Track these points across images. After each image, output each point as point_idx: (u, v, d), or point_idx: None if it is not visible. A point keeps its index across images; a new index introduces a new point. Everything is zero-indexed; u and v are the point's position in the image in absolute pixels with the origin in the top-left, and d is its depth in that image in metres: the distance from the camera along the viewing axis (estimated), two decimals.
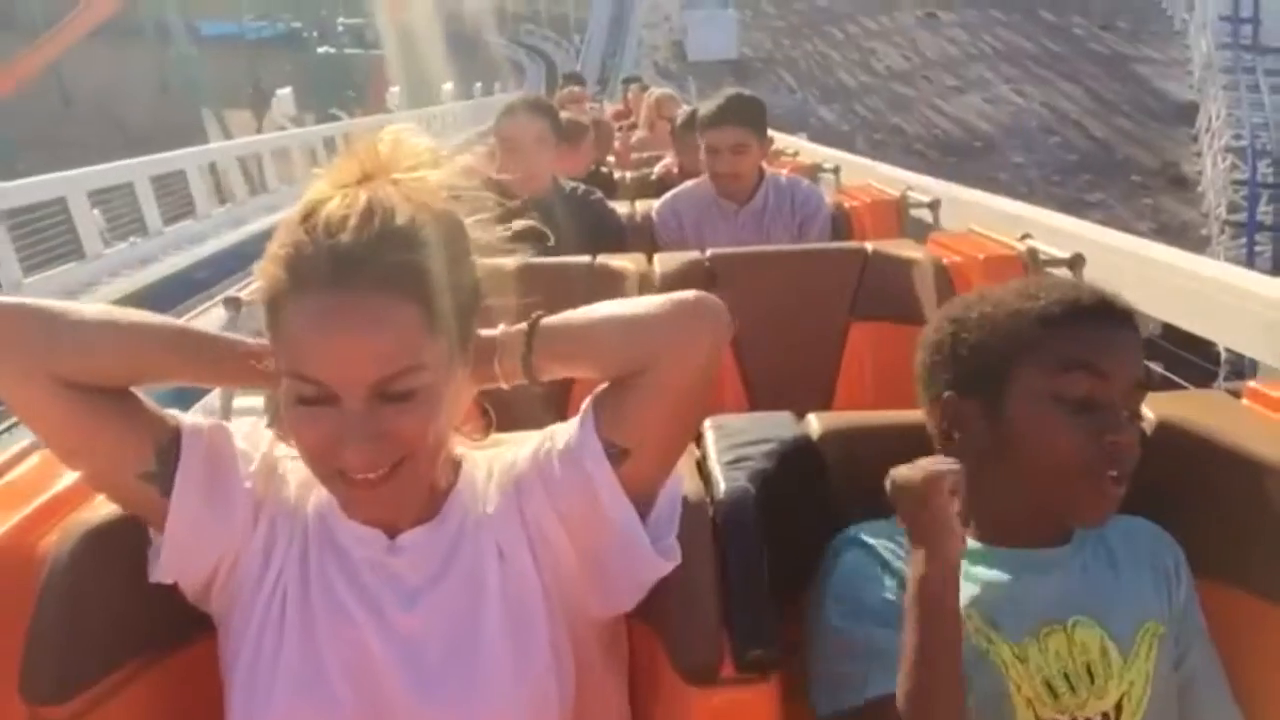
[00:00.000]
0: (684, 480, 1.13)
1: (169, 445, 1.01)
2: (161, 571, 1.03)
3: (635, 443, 1.01)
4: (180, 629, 1.10)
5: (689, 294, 1.02)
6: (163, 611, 1.07)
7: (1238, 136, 20.66)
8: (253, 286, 2.52)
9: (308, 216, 0.95)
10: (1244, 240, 18.74)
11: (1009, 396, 1.14)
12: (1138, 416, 1.15)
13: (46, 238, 7.69)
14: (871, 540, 1.17)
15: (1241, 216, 19.13)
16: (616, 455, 1.01)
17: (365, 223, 0.92)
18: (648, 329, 1.01)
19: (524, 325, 1.05)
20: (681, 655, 1.06)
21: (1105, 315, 1.14)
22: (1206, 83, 23.50)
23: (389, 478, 0.97)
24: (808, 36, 34.71)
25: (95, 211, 8.44)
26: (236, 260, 8.39)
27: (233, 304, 2.36)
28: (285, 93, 16.49)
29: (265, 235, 0.99)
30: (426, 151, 1.02)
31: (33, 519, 1.11)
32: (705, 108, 3.09)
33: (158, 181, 9.99)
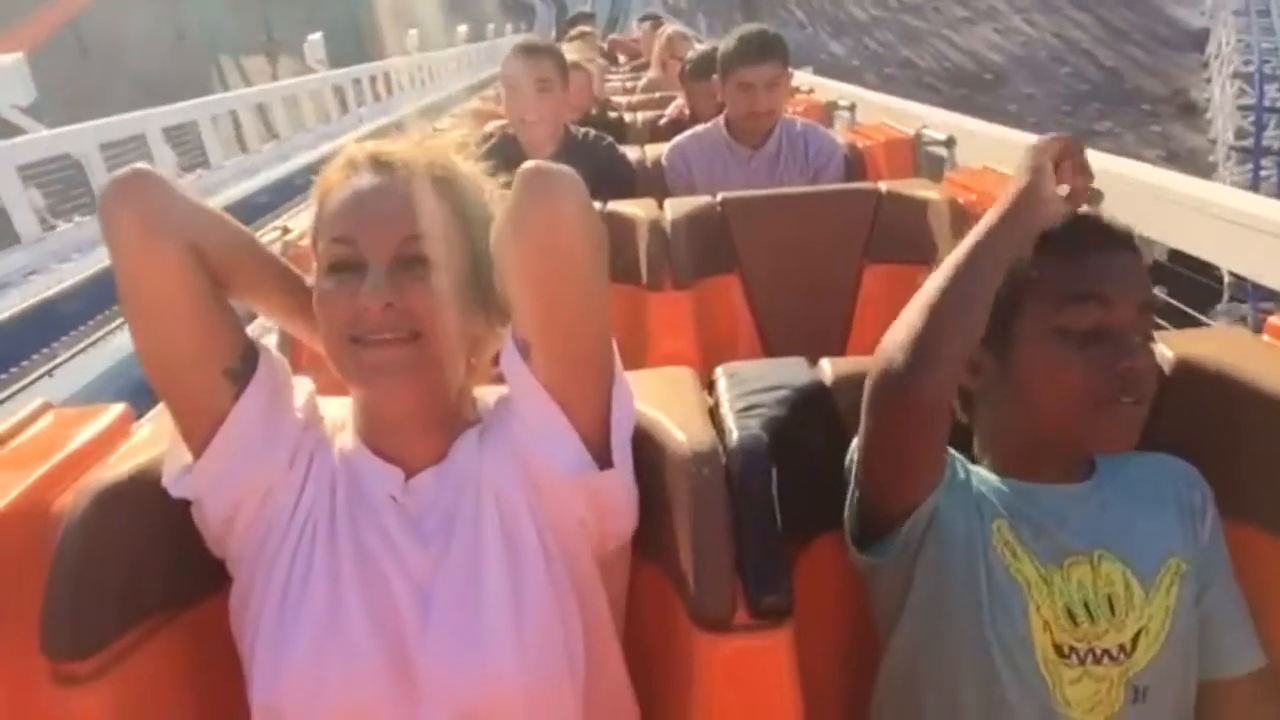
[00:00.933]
0: (688, 423, 1.13)
1: (250, 352, 1.06)
2: (194, 481, 1.04)
3: (527, 333, 1.01)
4: (198, 583, 1.12)
5: (527, 165, 0.98)
6: (180, 567, 1.08)
7: (1247, 62, 20.61)
8: (270, 236, 2.52)
9: (358, 141, 1.11)
10: (1250, 166, 18.76)
11: (1017, 339, 1.12)
12: (1149, 338, 1.13)
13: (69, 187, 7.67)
14: None
15: (1248, 142, 19.18)
16: (521, 347, 1.02)
17: (406, 143, 1.10)
18: (503, 216, 1.00)
19: None
20: (695, 603, 1.06)
21: (1104, 241, 1.12)
22: (1218, 8, 23.44)
23: (402, 344, 1.02)
24: None
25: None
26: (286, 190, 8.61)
27: (283, 230, 2.37)
28: (316, 38, 16.46)
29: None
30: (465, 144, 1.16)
31: (47, 479, 1.12)
32: (736, 45, 2.97)
33: (218, 119, 10.06)
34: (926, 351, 1.03)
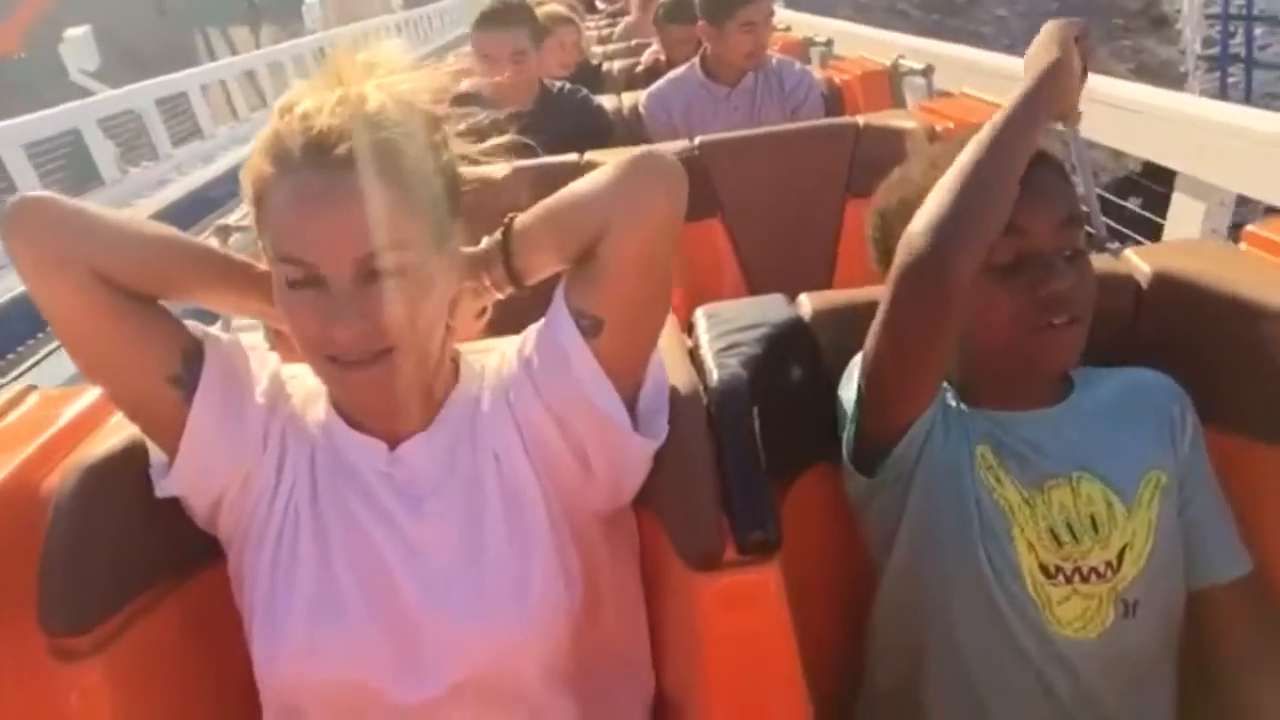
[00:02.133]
0: (668, 365, 1.12)
1: (194, 351, 1.03)
2: (172, 484, 1.04)
3: (605, 313, 1.01)
4: (192, 556, 1.12)
5: (632, 154, 1.00)
6: (172, 540, 1.09)
7: None
8: (242, 210, 2.51)
9: (285, 111, 0.98)
10: (1218, 74, 18.76)
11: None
12: (1078, 253, 1.12)
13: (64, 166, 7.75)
14: None
15: (1216, 50, 19.02)
16: (588, 326, 1.01)
17: (339, 108, 0.96)
18: (599, 198, 0.99)
19: (498, 232, 1.05)
20: (684, 542, 1.07)
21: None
22: None
23: (379, 361, 0.98)
24: None
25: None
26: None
27: (223, 231, 2.34)
28: (313, 1, 16.22)
29: None
30: (405, 59, 1.05)
31: (34, 459, 1.12)
32: None
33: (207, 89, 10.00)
34: (956, 229, 1.03)
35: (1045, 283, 1.09)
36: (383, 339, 0.97)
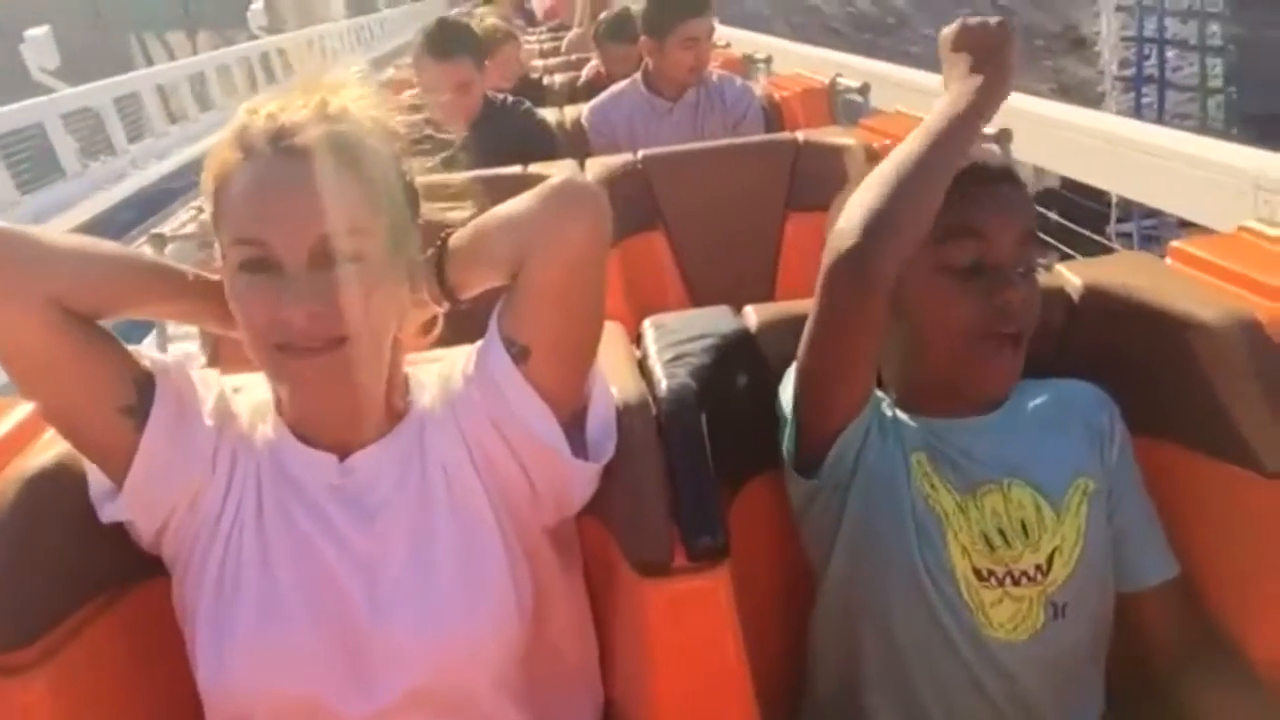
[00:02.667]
0: (617, 375, 1.14)
1: (145, 381, 1.01)
2: (119, 510, 1.03)
3: (530, 340, 1.01)
4: (134, 568, 1.10)
5: (557, 180, 1.01)
6: (115, 552, 1.07)
7: None
8: (184, 215, 2.47)
9: (251, 110, 1.01)
10: (1133, 94, 20.11)
11: (904, 277, 1.12)
12: (1031, 269, 1.17)
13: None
14: None
15: (1131, 71, 20.44)
16: (517, 353, 1.02)
17: (304, 106, 1.00)
18: (521, 223, 1.00)
19: (434, 249, 1.06)
20: (634, 549, 1.08)
21: (980, 176, 1.14)
22: None
23: (331, 350, 0.98)
24: None
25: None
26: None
27: (158, 240, 2.31)
28: (258, 7, 16.07)
29: None
30: (369, 85, 1.09)
31: None
32: (663, 4, 2.99)
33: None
34: (882, 229, 1.06)
35: (1001, 291, 1.13)
36: (336, 325, 0.97)
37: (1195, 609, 1.19)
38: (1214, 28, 20.00)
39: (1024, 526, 1.15)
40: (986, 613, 1.14)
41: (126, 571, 1.11)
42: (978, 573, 1.14)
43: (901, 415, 1.21)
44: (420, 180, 1.11)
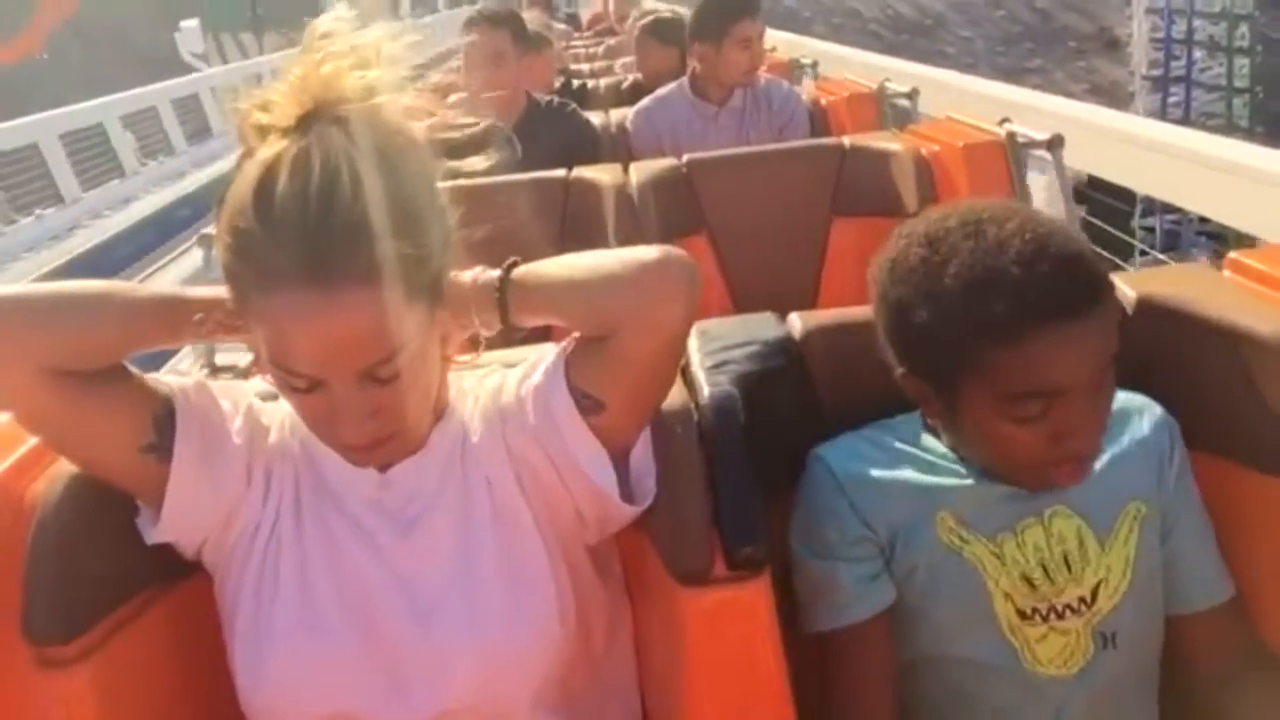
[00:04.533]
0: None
1: (164, 414, 1.00)
2: (159, 534, 1.03)
3: (608, 398, 1.01)
4: (179, 564, 1.11)
5: (653, 256, 0.98)
6: (158, 549, 1.08)
7: None
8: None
9: (260, 197, 0.88)
10: (1159, 94, 20.70)
11: (960, 401, 1.06)
12: (1105, 392, 1.05)
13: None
14: (834, 461, 1.17)
15: (1160, 72, 20.98)
16: (589, 406, 1.01)
17: (326, 202, 0.86)
18: (612, 295, 0.97)
19: (495, 277, 1.02)
20: (674, 558, 1.07)
21: (1058, 315, 0.98)
22: None
23: (385, 443, 0.98)
24: None
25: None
26: None
27: (206, 240, 2.34)
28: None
29: None
30: (373, 61, 0.94)
31: (18, 467, 1.11)
32: (727, 3, 3.00)
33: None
34: None
35: (1069, 436, 1.03)
36: (388, 426, 0.97)
37: (1251, 631, 1.16)
38: (1242, 29, 20.35)
39: (1066, 560, 1.12)
40: (1033, 649, 1.11)
41: (170, 569, 1.11)
42: (1020, 613, 1.11)
43: (930, 466, 1.15)
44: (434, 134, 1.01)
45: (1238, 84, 20.26)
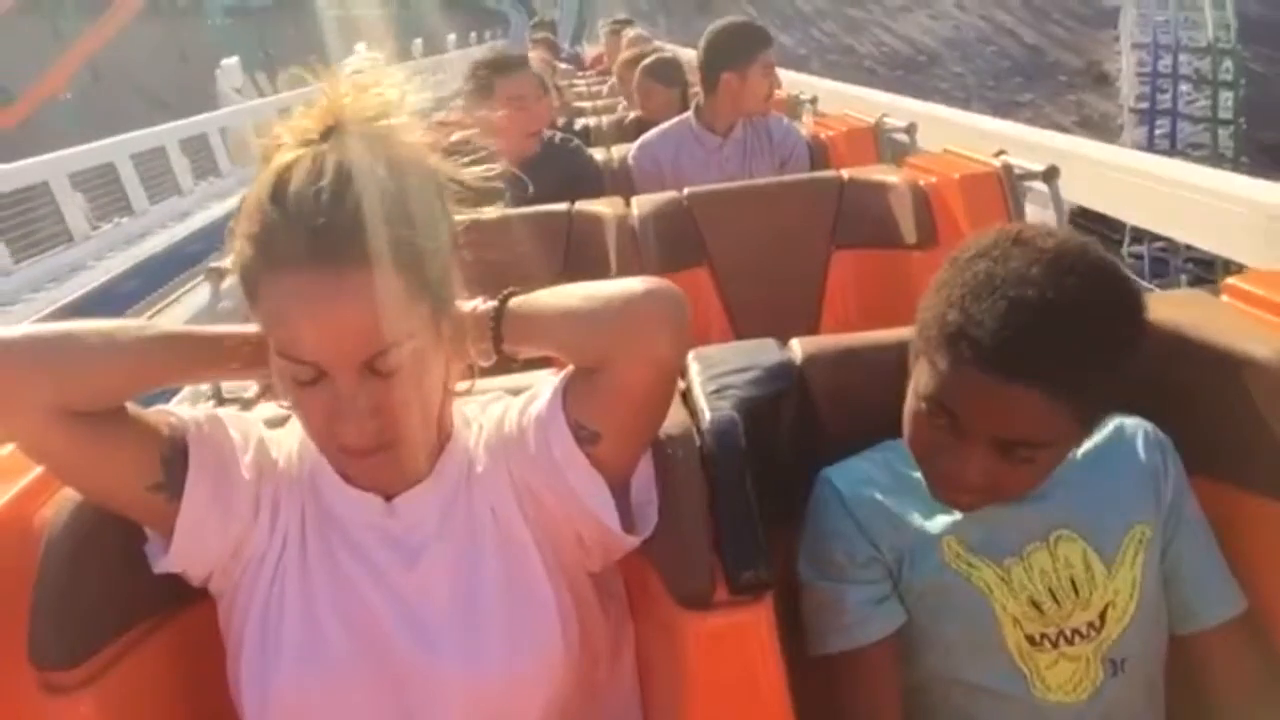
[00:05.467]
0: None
1: (172, 453, 1.01)
2: (167, 564, 1.04)
3: (603, 428, 1.02)
4: (184, 592, 1.11)
5: (639, 288, 0.99)
6: (166, 576, 1.08)
7: (1144, 32, 23.47)
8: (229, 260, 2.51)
9: (276, 190, 0.91)
10: (1146, 127, 21.58)
11: (912, 372, 1.10)
12: (1007, 452, 1.03)
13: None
14: (840, 482, 1.18)
15: (1147, 105, 21.91)
16: (586, 436, 1.02)
17: (338, 195, 0.90)
18: (601, 327, 0.99)
19: (491, 308, 1.04)
20: (676, 582, 1.08)
21: (993, 366, 0.98)
22: None
23: (385, 448, 0.99)
24: None
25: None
26: None
27: (215, 275, 2.35)
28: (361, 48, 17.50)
29: None
30: (392, 90, 0.99)
31: (28, 492, 1.12)
32: (744, 33, 3.06)
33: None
34: None
35: (955, 479, 1.06)
36: (390, 431, 0.97)
37: (1259, 652, 1.15)
38: (1226, 63, 21.42)
39: (1073, 584, 1.12)
40: (1042, 676, 1.11)
41: (176, 596, 1.12)
42: (1030, 638, 1.11)
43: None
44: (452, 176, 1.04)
45: (1223, 116, 21.15)
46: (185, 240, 8.15)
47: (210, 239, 7.53)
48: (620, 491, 1.06)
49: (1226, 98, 21.26)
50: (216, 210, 8.93)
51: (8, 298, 6.77)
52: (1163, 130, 21.25)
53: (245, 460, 1.07)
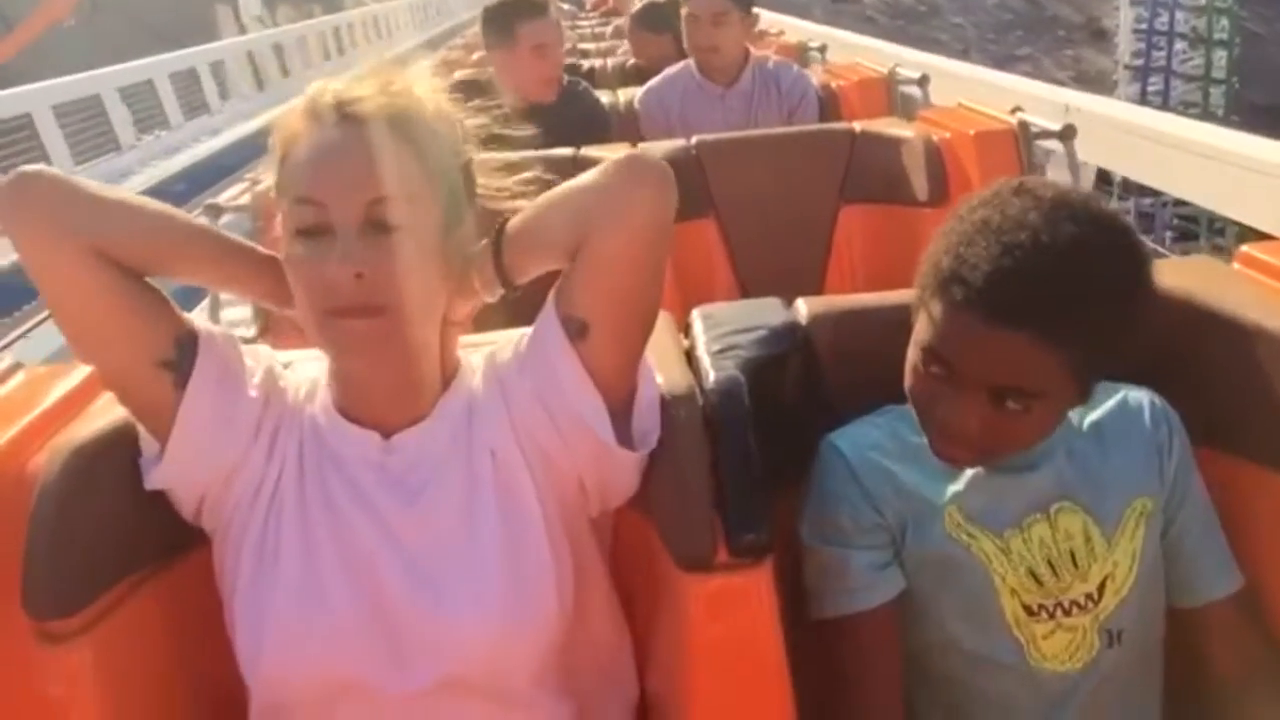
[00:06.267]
0: (664, 365, 1.13)
1: (187, 339, 1.02)
2: (160, 477, 1.03)
3: (590, 316, 1.01)
4: (179, 540, 1.11)
5: (620, 156, 1.00)
6: (160, 524, 1.08)
7: None
8: (232, 190, 2.49)
9: (321, 86, 1.04)
10: (1141, 83, 21.92)
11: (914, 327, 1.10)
12: (1000, 402, 1.02)
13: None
14: (845, 446, 1.17)
15: (1141, 61, 22.15)
16: (575, 330, 1.01)
17: (370, 82, 1.03)
18: (583, 199, 1.00)
19: (491, 235, 1.05)
20: (676, 543, 1.07)
21: (982, 309, 0.99)
22: None
23: (376, 312, 0.98)
24: None
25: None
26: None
27: (213, 210, 2.33)
28: None
29: None
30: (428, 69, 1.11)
31: (20, 439, 1.11)
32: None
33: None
34: None
35: (945, 404, 1.05)
36: (383, 290, 0.97)
37: (1259, 627, 1.15)
38: (1222, 22, 21.57)
39: (1072, 556, 1.12)
40: (1038, 645, 1.11)
41: (171, 543, 1.12)
42: (1027, 608, 1.11)
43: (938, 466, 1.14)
44: (481, 165, 1.11)
45: (1215, 75, 21.40)
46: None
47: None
48: (619, 412, 1.04)
49: (1220, 56, 21.52)
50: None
51: None
52: (1155, 87, 21.50)
53: (254, 381, 1.07)
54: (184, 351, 1.01)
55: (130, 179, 8.19)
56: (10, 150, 7.39)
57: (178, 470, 1.03)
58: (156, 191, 8.04)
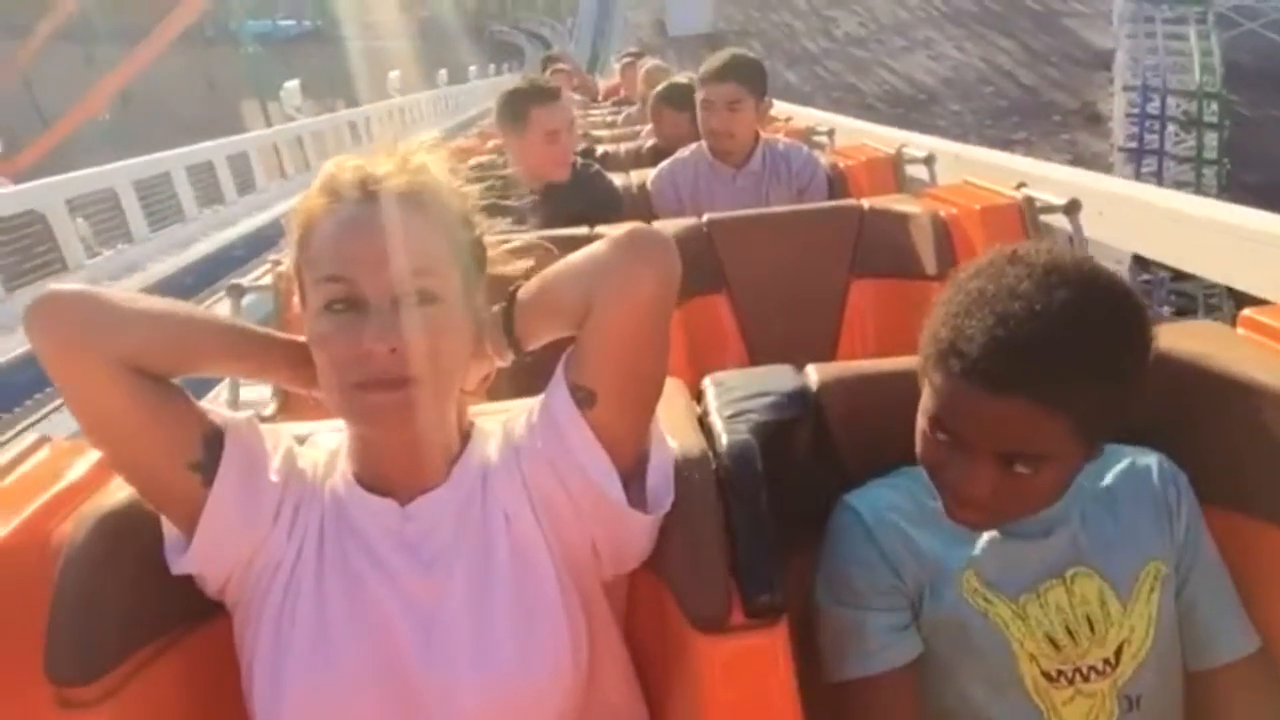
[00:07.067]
0: (678, 431, 1.14)
1: (213, 437, 1.04)
2: (188, 563, 1.05)
3: (596, 385, 1.03)
4: (199, 609, 1.12)
5: (620, 234, 1.03)
6: (181, 593, 1.09)
7: (1134, 75, 24.79)
8: (255, 272, 2.53)
9: (338, 164, 1.08)
10: (1134, 166, 22.94)
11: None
12: (1009, 465, 1.03)
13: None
14: (863, 508, 1.18)
15: (1135, 144, 23.29)
16: (582, 398, 1.03)
17: (387, 159, 1.07)
18: (590, 271, 1.02)
19: (502, 303, 1.09)
20: (691, 605, 1.07)
21: (979, 379, 1.00)
22: (1119, 31, 27.73)
23: (401, 387, 1.00)
24: (775, 8, 38.62)
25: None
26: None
27: (236, 290, 2.38)
28: (293, 85, 18.07)
29: None
30: (440, 148, 1.14)
31: (46, 509, 1.13)
32: (704, 66, 3.06)
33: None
34: None
35: (957, 471, 1.06)
36: (409, 364, 1.00)
37: (1275, 686, 1.14)
38: (1213, 106, 22.58)
39: (1089, 621, 1.11)
40: (1058, 711, 1.10)
41: (191, 613, 1.12)
42: (1046, 675, 1.11)
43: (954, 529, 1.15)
44: (488, 239, 1.14)
45: (1207, 155, 22.42)
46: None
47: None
48: (631, 475, 1.06)
49: (1212, 139, 22.49)
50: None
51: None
52: (1150, 169, 22.37)
53: (274, 465, 1.09)
54: (211, 450, 1.03)
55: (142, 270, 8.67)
56: (25, 242, 7.75)
57: (203, 559, 1.05)
58: (169, 282, 8.25)
